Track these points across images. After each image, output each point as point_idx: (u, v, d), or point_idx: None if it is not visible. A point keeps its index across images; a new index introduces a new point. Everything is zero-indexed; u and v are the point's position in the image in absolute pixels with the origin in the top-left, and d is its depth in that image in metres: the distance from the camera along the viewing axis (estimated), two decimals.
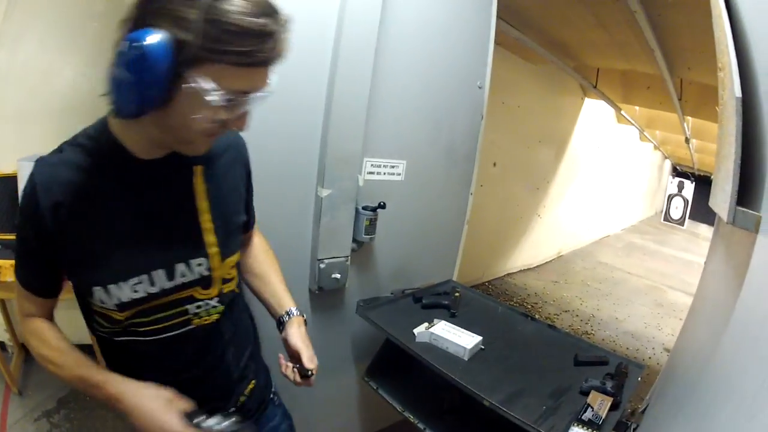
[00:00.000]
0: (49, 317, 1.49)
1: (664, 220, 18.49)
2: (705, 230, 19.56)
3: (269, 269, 1.84)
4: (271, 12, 1.07)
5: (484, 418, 2.12)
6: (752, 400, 0.82)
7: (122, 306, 1.30)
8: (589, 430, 1.84)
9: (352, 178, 2.52)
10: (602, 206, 13.75)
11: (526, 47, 5.92)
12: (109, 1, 3.52)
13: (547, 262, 10.28)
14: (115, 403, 1.27)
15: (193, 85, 1.03)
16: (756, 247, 1.12)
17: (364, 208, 2.65)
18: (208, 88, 1.03)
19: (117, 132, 1.25)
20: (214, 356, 1.53)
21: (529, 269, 9.42)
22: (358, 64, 2.38)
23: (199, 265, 1.39)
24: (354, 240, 2.68)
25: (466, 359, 2.30)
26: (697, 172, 19.06)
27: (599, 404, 1.96)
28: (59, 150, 1.30)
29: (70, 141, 1.30)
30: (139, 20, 1.02)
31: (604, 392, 2.05)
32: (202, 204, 1.39)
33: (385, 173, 2.78)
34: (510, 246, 8.73)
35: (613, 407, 1.98)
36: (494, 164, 7.12)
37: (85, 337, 3.40)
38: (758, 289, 1.06)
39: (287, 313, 1.71)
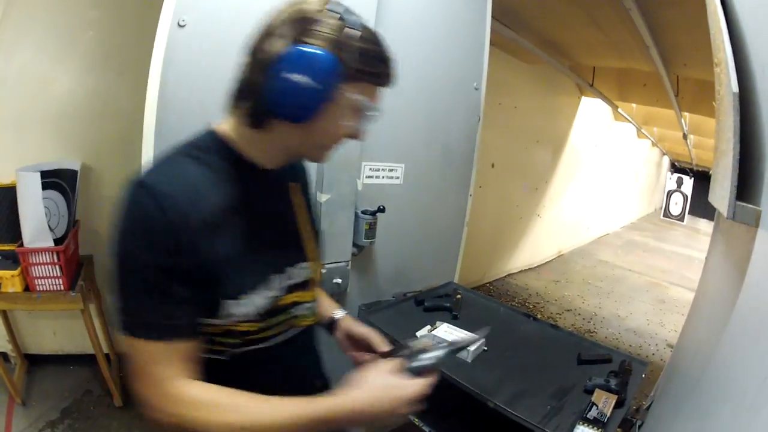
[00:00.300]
0: (193, 373, 1.18)
1: (663, 216, 18.49)
2: (705, 225, 19.58)
3: None
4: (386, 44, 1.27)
5: (489, 419, 2.12)
6: (755, 395, 0.82)
7: (257, 315, 1.28)
8: (595, 428, 1.84)
9: (350, 183, 2.52)
10: (601, 204, 13.76)
11: (521, 48, 5.94)
12: (103, 9, 3.53)
13: (547, 262, 10.29)
14: (344, 419, 1.17)
15: (348, 95, 1.19)
16: (757, 242, 1.12)
17: (363, 212, 2.65)
18: (359, 98, 1.21)
19: (237, 143, 1.27)
20: (313, 357, 1.61)
21: (529, 269, 9.42)
22: None
23: (303, 268, 1.44)
24: (354, 244, 2.68)
25: (469, 361, 2.30)
26: (695, 168, 19.07)
27: (604, 402, 1.95)
28: (169, 162, 1.21)
29: (178, 152, 1.24)
30: (295, 38, 1.12)
31: (609, 390, 2.05)
32: (301, 214, 1.49)
33: (383, 177, 2.78)
34: (510, 246, 8.73)
35: (618, 405, 1.98)
36: (492, 165, 7.13)
37: (88, 347, 3.44)
38: (760, 284, 1.06)
39: (337, 312, 1.77)
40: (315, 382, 1.56)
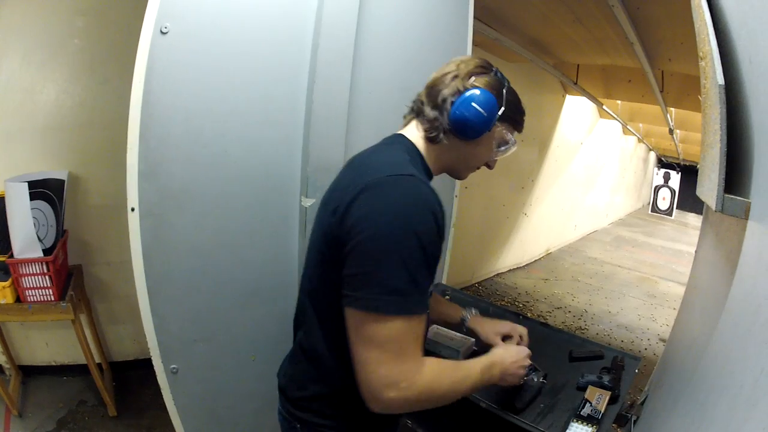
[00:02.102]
0: None
1: (651, 211, 18.53)
2: (693, 219, 19.72)
3: None
4: None
5: (482, 419, 2.12)
6: (752, 387, 0.81)
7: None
8: (589, 425, 1.84)
9: None
10: (589, 202, 13.80)
11: (504, 47, 5.93)
12: (89, 17, 3.52)
13: (535, 260, 10.32)
14: (493, 367, 1.62)
15: (499, 130, 1.64)
16: (747, 234, 1.12)
17: None
18: (507, 135, 1.67)
19: (426, 156, 1.62)
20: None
21: (518, 268, 9.45)
22: (336, 73, 2.37)
23: None
24: None
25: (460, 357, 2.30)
26: (682, 163, 19.16)
27: (597, 399, 1.95)
28: (409, 161, 1.48)
29: (407, 157, 1.51)
30: (468, 81, 1.53)
31: (602, 386, 2.05)
32: None
33: None
34: (498, 246, 8.74)
35: (612, 401, 1.98)
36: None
37: (81, 357, 3.42)
38: (751, 276, 1.05)
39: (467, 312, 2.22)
40: None
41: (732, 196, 1.15)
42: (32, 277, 3.08)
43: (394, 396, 1.24)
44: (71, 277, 3.53)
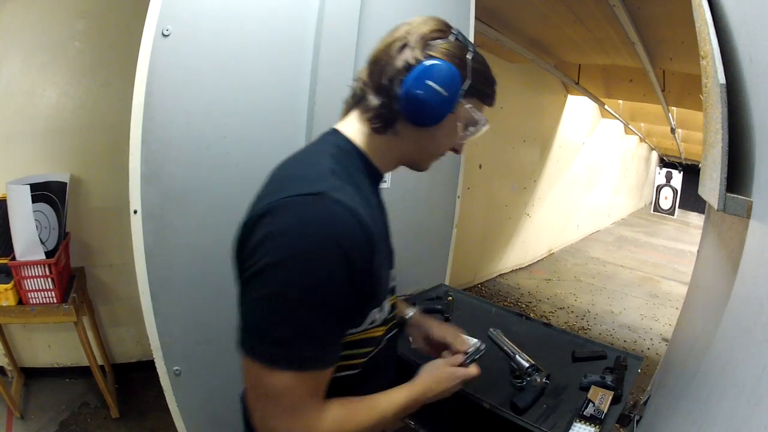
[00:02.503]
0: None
1: (654, 211, 18.52)
2: (696, 219, 19.73)
3: None
4: None
5: (484, 420, 2.12)
6: (754, 386, 0.81)
7: (385, 319, 1.38)
8: (592, 425, 1.84)
9: None
10: (590, 202, 13.81)
11: (505, 48, 5.94)
12: (90, 20, 3.53)
13: (538, 261, 10.34)
14: (424, 397, 1.45)
15: (465, 108, 1.33)
16: (749, 233, 1.12)
17: None
18: (476, 111, 1.36)
19: (364, 149, 1.34)
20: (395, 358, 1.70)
21: (520, 269, 9.46)
22: (338, 73, 2.38)
23: (393, 275, 1.51)
24: None
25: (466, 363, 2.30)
26: (684, 162, 19.17)
27: (600, 399, 1.95)
28: (334, 175, 1.17)
29: (331, 165, 1.22)
30: (421, 50, 1.24)
31: (604, 386, 2.05)
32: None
33: None
34: (500, 247, 8.76)
35: (615, 401, 1.98)
36: (480, 166, 7.16)
37: (83, 359, 3.43)
38: (753, 275, 1.05)
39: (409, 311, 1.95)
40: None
41: (734, 195, 1.15)
42: (34, 279, 3.09)
43: None
44: (73, 279, 3.54)
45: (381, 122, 1.29)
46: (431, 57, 1.22)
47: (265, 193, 1.21)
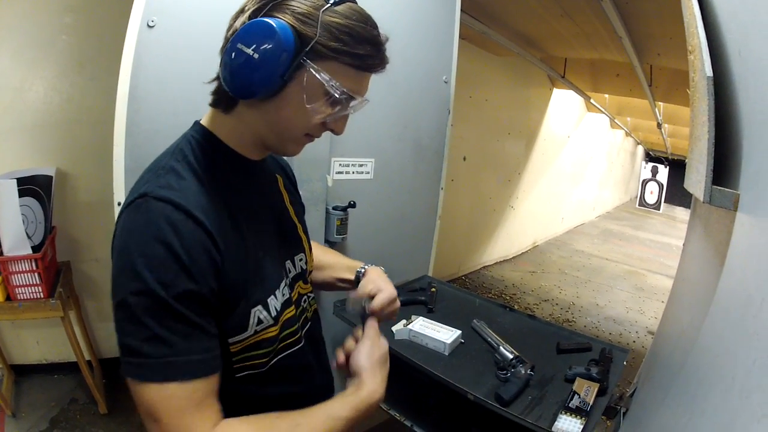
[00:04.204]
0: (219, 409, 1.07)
1: (639, 205, 18.66)
2: (682, 213, 19.80)
3: (332, 253, 1.90)
4: (376, 26, 1.19)
5: (470, 412, 2.12)
6: (744, 379, 0.81)
7: (277, 317, 1.25)
8: (578, 417, 1.84)
9: (320, 179, 2.52)
10: (576, 195, 13.87)
11: (491, 41, 5.94)
12: (78, 14, 3.52)
13: (522, 253, 10.39)
14: (371, 401, 1.24)
15: (312, 71, 1.08)
16: (736, 226, 1.12)
17: (334, 208, 2.65)
18: (325, 77, 1.09)
19: (218, 133, 1.23)
20: (322, 348, 1.59)
21: (505, 261, 9.50)
22: None
23: (300, 260, 1.46)
24: (326, 241, 2.68)
25: (446, 354, 2.31)
26: (670, 157, 19.24)
27: (585, 391, 1.96)
28: (171, 172, 1.11)
29: (175, 159, 1.15)
30: (258, 11, 1.07)
31: (590, 378, 2.06)
32: (289, 207, 1.48)
33: (353, 172, 2.78)
34: (484, 239, 8.79)
35: (601, 393, 1.99)
36: (464, 158, 7.18)
37: (71, 355, 3.42)
38: (740, 268, 1.06)
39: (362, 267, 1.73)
40: (325, 376, 1.57)
41: (720, 188, 1.15)
42: (21, 274, 3.08)
43: None
44: (60, 274, 3.53)
45: (219, 100, 1.20)
46: (262, 18, 1.05)
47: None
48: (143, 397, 0.97)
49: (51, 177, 3.47)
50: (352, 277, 1.71)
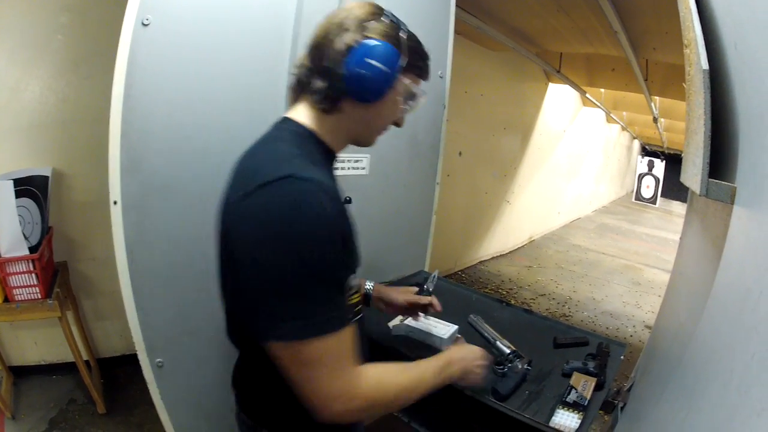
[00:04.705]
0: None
1: (635, 199, 18.61)
2: (678, 207, 19.83)
3: None
4: None
5: (467, 407, 2.12)
6: (743, 373, 0.81)
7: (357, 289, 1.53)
8: (576, 411, 1.84)
9: None
10: (572, 189, 13.88)
11: (486, 36, 5.92)
12: (73, 13, 3.51)
13: (519, 248, 10.38)
14: (450, 366, 1.60)
15: (404, 83, 1.44)
16: (732, 219, 1.12)
17: None
18: (409, 84, 1.46)
19: (316, 131, 1.42)
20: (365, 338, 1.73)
21: (501, 256, 9.48)
22: None
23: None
24: None
25: (443, 349, 2.30)
26: (666, 151, 19.23)
27: (583, 385, 1.96)
28: (298, 157, 1.28)
29: (291, 150, 1.32)
30: (359, 32, 1.33)
31: (587, 373, 2.06)
32: None
33: (348, 168, 2.77)
34: (481, 234, 8.78)
35: (598, 387, 1.99)
36: (460, 153, 7.15)
37: (69, 355, 3.41)
38: (738, 262, 1.06)
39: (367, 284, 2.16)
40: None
41: (717, 181, 1.15)
42: (19, 275, 3.07)
43: (341, 409, 1.20)
44: (57, 274, 3.52)
45: (328, 103, 1.38)
46: (369, 38, 1.32)
47: (236, 185, 1.31)
48: (305, 352, 1.15)
49: (47, 177, 3.45)
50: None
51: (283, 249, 1.11)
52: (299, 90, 1.45)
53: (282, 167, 1.19)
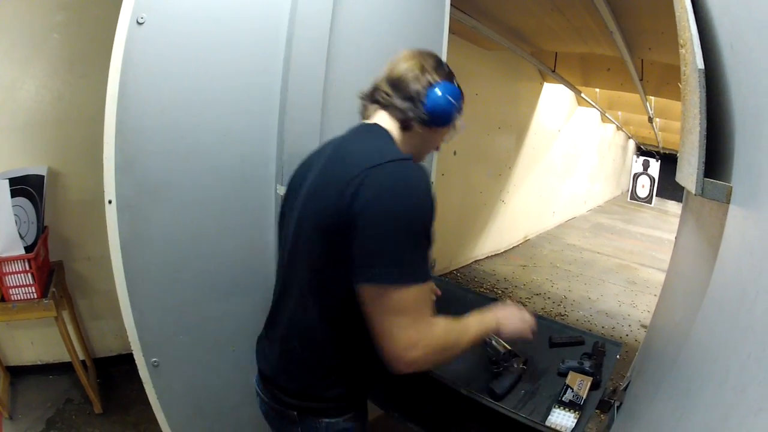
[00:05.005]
0: None
1: (630, 199, 18.66)
2: (673, 207, 19.81)
3: None
4: None
5: (463, 406, 2.12)
6: (739, 373, 0.81)
7: None
8: (572, 411, 1.85)
9: None
10: (567, 189, 13.88)
11: (481, 35, 5.92)
12: (69, 12, 3.50)
13: (514, 247, 10.35)
14: (487, 315, 1.80)
15: (459, 117, 1.77)
16: (728, 218, 1.12)
17: None
18: (461, 120, 1.78)
19: (398, 143, 1.69)
20: None
21: (496, 255, 9.46)
22: (310, 62, 2.37)
23: None
24: None
25: None
26: (662, 151, 19.26)
27: (579, 384, 1.97)
28: (406, 158, 1.52)
29: (390, 141, 1.67)
30: (435, 74, 1.70)
31: (583, 372, 2.06)
32: None
33: None
34: (476, 233, 8.78)
35: (594, 386, 1.99)
36: (454, 153, 7.16)
37: (65, 355, 3.41)
38: (734, 262, 1.06)
39: None
40: None
41: (712, 180, 1.15)
42: (15, 275, 3.06)
43: (417, 355, 1.39)
44: (53, 273, 3.52)
45: (409, 122, 1.68)
46: (444, 80, 1.69)
47: (342, 166, 1.54)
48: (401, 297, 1.37)
49: (43, 177, 3.45)
50: None
51: (412, 209, 1.40)
52: (377, 107, 1.75)
53: (399, 153, 1.54)
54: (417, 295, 1.38)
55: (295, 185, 1.79)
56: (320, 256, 1.52)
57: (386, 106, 1.72)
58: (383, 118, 1.72)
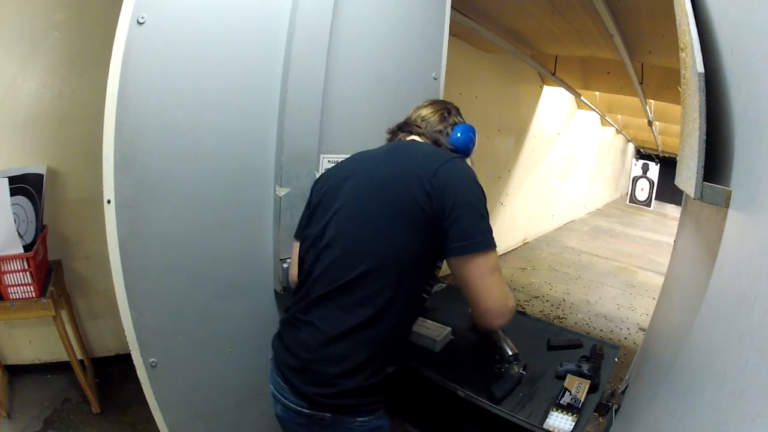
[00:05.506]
0: None
1: (630, 202, 18.63)
2: (672, 210, 19.82)
3: None
4: None
5: (462, 409, 2.12)
6: (737, 377, 0.81)
7: None
8: (569, 414, 1.85)
9: (309, 176, 2.50)
10: (566, 192, 13.88)
11: (481, 37, 5.91)
12: (70, 11, 3.50)
13: (512, 250, 10.36)
14: None
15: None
16: (727, 222, 1.12)
17: None
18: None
19: None
20: None
21: None
22: (310, 63, 2.37)
23: None
24: None
25: (437, 350, 2.31)
26: (661, 154, 19.26)
27: (576, 388, 1.97)
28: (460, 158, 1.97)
29: (452, 153, 2.00)
30: (457, 116, 2.15)
31: (581, 375, 2.06)
32: None
33: None
34: None
35: (592, 390, 1.99)
36: None
37: (63, 354, 3.40)
38: (732, 266, 1.06)
39: None
40: None
41: (711, 185, 1.15)
42: (13, 274, 3.06)
43: (511, 305, 1.69)
44: (51, 272, 3.51)
45: (438, 145, 2.04)
46: (461, 121, 2.13)
47: (422, 158, 1.84)
48: (493, 258, 1.68)
49: (42, 175, 3.44)
50: None
51: (480, 191, 1.77)
52: (407, 133, 2.10)
53: (447, 156, 1.85)
54: (496, 256, 1.69)
55: (332, 186, 1.96)
56: (403, 237, 1.71)
57: (419, 134, 2.06)
58: (417, 139, 2.06)
